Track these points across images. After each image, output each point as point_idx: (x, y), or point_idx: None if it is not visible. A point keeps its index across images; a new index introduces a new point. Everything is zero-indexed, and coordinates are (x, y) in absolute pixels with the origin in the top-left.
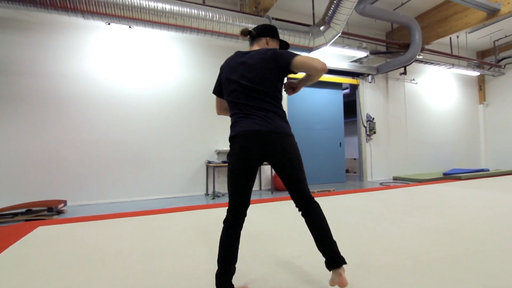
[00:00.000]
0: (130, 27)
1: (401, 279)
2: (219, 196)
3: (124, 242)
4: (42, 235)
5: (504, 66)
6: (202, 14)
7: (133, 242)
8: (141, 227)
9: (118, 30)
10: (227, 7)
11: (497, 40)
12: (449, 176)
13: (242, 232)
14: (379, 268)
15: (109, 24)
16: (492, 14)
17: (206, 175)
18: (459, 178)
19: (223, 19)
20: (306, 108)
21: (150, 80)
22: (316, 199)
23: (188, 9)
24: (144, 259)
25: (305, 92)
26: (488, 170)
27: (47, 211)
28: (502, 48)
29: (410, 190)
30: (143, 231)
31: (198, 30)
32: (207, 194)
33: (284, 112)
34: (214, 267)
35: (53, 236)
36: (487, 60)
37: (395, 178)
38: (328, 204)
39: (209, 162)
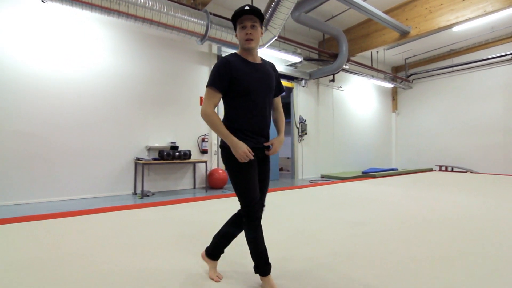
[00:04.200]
0: (42, 1)
1: (319, 271)
2: (148, 196)
3: (28, 250)
4: None
5: (412, 81)
6: None
7: (39, 249)
8: (51, 232)
9: (28, 2)
10: None
11: (408, 58)
12: (367, 175)
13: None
14: (302, 261)
15: None
16: (404, 35)
17: (134, 173)
18: (374, 176)
19: (156, 7)
20: None
21: (69, 64)
22: None
23: None
24: (49, 268)
25: None
26: (397, 169)
27: None
28: (411, 65)
29: (334, 187)
30: (52, 237)
31: (127, 15)
32: (134, 194)
33: (226, 121)
34: (133, 271)
35: None
36: (399, 74)
37: (322, 176)
38: None
39: (138, 159)
